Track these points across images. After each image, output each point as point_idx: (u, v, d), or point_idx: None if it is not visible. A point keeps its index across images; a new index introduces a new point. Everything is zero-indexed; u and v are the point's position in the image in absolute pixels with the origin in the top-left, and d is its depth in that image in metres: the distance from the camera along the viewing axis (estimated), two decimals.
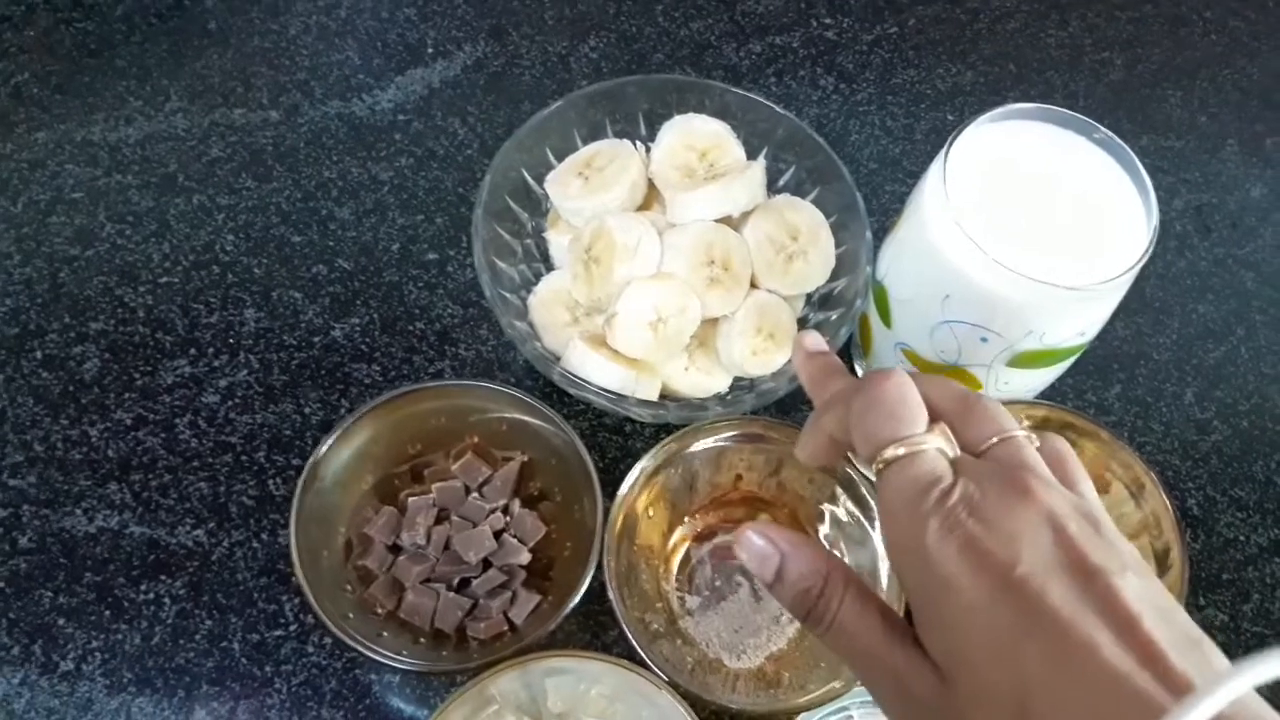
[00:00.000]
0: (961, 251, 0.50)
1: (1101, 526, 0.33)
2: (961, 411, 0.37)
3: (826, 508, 0.57)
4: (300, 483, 0.51)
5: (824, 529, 0.57)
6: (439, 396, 0.56)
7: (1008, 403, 0.56)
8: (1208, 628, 0.34)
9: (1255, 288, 0.71)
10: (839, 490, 0.55)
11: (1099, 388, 0.66)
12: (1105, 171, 0.53)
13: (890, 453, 0.34)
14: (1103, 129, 0.53)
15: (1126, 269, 0.49)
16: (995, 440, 0.35)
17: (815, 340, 0.45)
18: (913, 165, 0.73)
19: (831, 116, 0.75)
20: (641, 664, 0.48)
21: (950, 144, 0.51)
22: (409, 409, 0.55)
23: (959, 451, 0.35)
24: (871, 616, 0.35)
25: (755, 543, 0.37)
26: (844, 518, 0.56)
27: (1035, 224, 0.52)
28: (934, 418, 0.36)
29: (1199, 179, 0.75)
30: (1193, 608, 0.60)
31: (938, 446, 0.35)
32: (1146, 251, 0.50)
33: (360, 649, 0.49)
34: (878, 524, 0.54)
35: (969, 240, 0.49)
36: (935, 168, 0.52)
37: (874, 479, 0.36)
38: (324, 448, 0.52)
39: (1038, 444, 0.36)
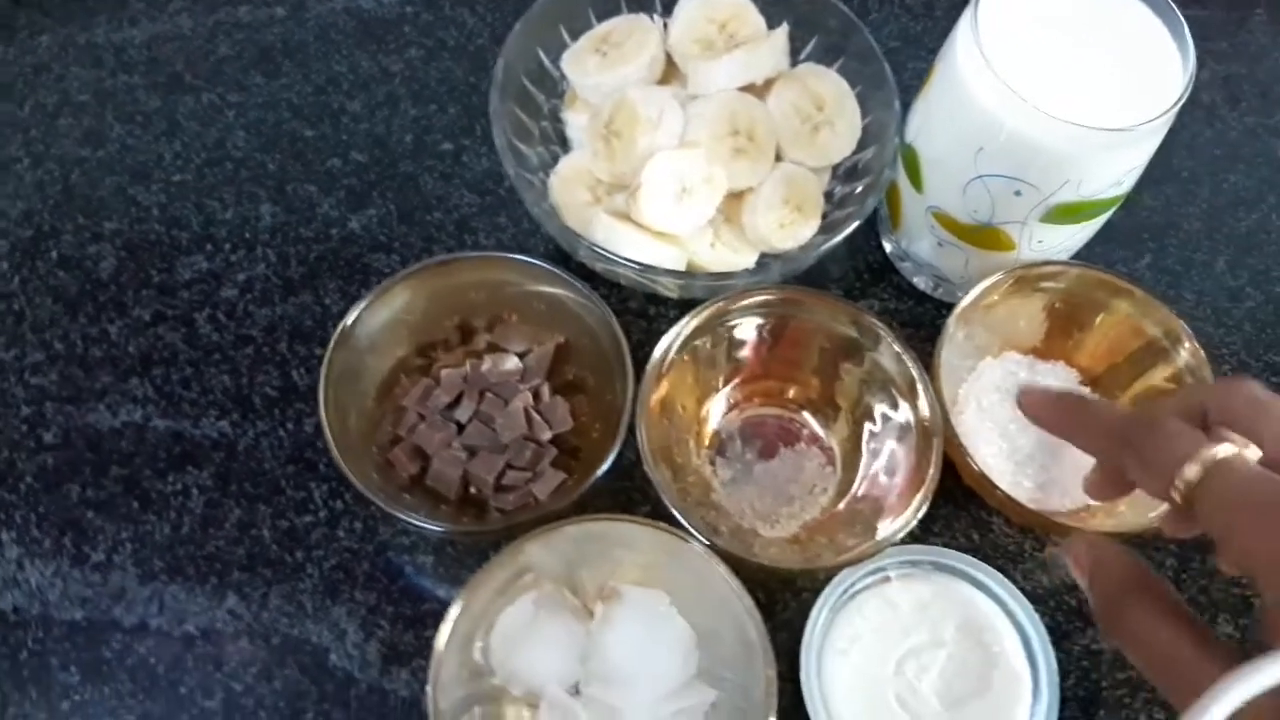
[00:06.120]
0: (995, 98, 0.49)
1: None
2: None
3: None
4: (333, 340, 0.51)
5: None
6: (478, 268, 0.55)
7: (1041, 263, 0.56)
8: None
9: None
10: (867, 353, 0.54)
11: (1129, 258, 0.65)
12: (1136, 17, 0.52)
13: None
14: None
15: (1165, 110, 0.48)
16: None
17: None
18: (933, 42, 0.70)
19: None
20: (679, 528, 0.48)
21: None
22: (448, 280, 0.55)
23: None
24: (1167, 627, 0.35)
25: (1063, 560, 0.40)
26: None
27: (1068, 71, 0.50)
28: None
29: (1227, 49, 0.73)
30: None
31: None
32: (1185, 91, 0.49)
33: (379, 503, 0.48)
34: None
35: (1003, 84, 0.48)
36: (966, 19, 0.50)
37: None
38: (359, 309, 0.52)
39: None
